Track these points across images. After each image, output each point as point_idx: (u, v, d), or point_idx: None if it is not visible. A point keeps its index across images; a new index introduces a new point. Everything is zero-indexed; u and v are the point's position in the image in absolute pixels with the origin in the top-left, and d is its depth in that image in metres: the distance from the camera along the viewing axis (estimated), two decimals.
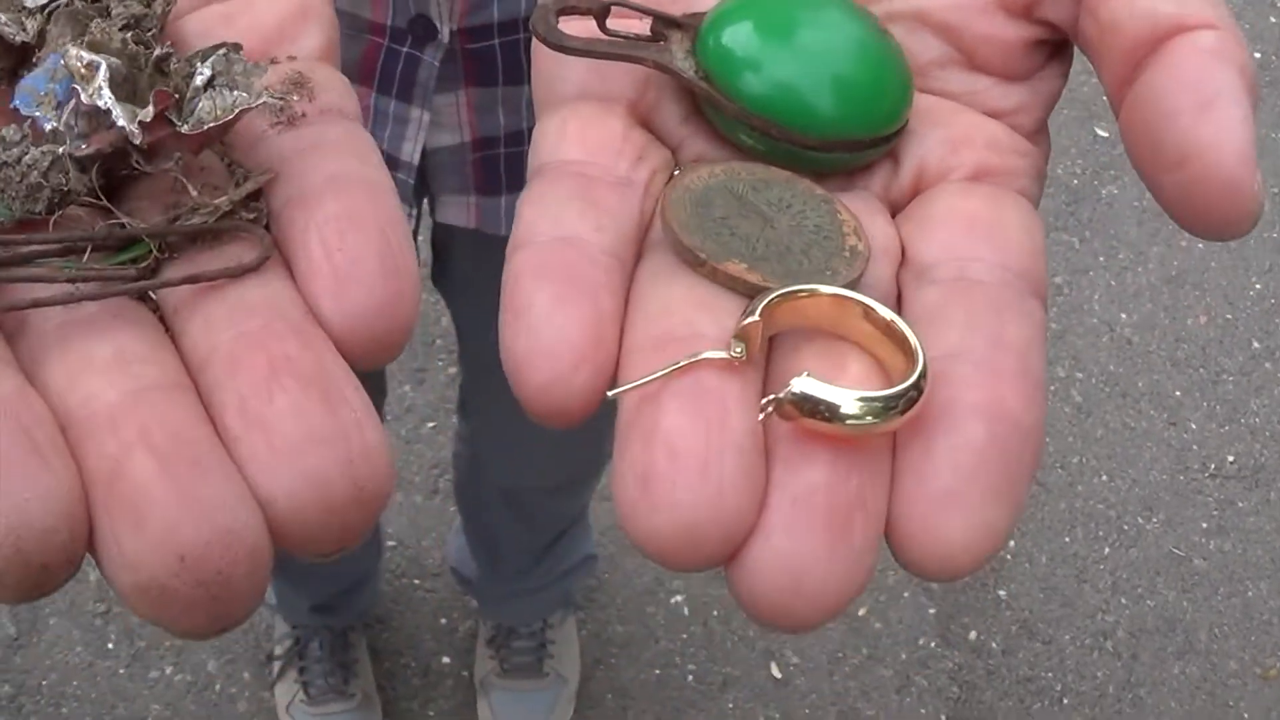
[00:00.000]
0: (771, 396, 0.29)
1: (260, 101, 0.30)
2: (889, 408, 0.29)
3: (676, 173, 0.36)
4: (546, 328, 0.30)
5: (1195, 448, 1.76)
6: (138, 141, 0.30)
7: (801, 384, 0.29)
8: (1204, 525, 1.70)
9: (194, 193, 0.31)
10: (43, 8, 0.34)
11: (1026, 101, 0.38)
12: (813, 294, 0.31)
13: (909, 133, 0.37)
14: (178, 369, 0.28)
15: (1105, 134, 2.05)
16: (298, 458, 0.26)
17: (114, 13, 0.33)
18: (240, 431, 0.27)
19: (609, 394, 0.29)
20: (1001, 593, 1.63)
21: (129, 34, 0.32)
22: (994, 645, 1.59)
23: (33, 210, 0.31)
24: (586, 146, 0.34)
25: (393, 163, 0.77)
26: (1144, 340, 1.85)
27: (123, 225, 0.30)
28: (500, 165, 0.82)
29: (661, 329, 0.31)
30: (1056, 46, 0.38)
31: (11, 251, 0.30)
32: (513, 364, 0.30)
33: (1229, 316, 1.89)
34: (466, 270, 1.02)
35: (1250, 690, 1.58)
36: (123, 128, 0.30)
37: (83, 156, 0.31)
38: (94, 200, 0.31)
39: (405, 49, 0.71)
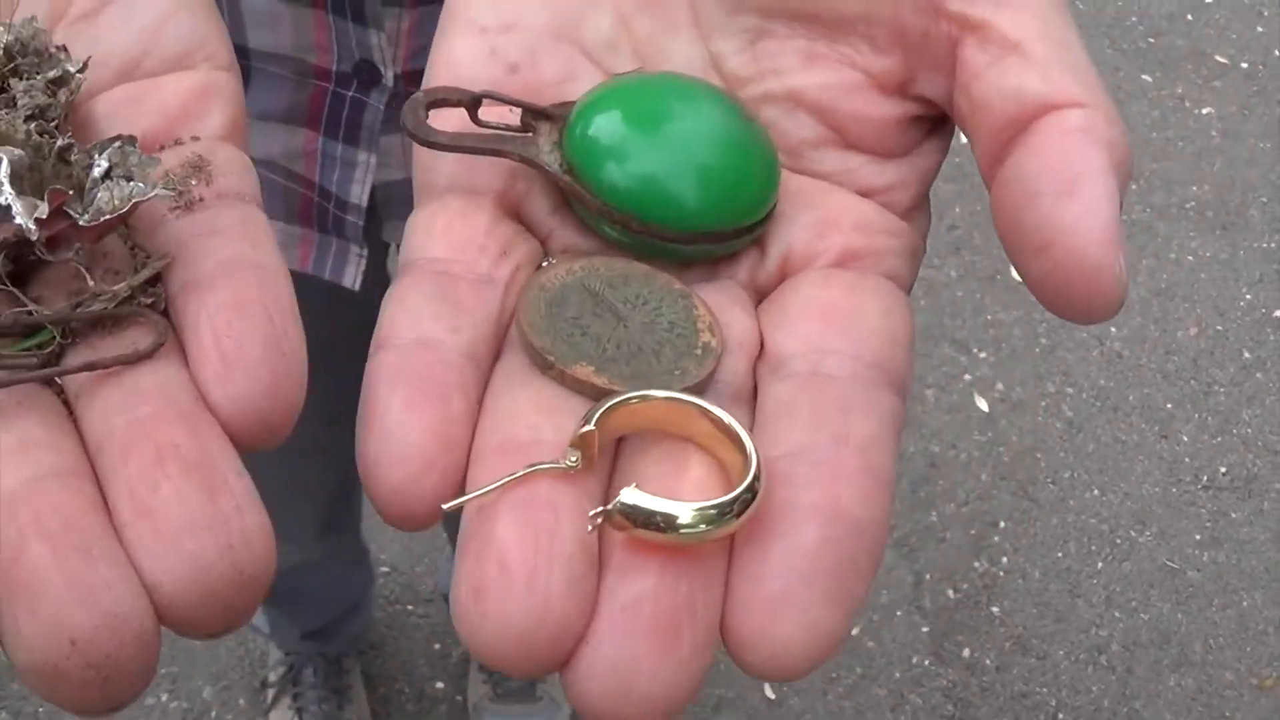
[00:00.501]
0: (600, 509, 0.30)
1: (154, 194, 0.32)
2: (723, 514, 0.29)
3: (545, 264, 0.36)
4: (397, 432, 0.31)
5: (1187, 460, 1.77)
6: (34, 238, 0.31)
7: (630, 496, 0.29)
8: (1197, 537, 1.71)
9: (91, 283, 0.32)
10: None
11: (903, 178, 0.38)
12: (646, 399, 0.32)
13: (778, 216, 0.37)
14: (76, 455, 0.29)
15: None
16: (179, 543, 0.27)
17: (20, 103, 0.34)
18: (129, 518, 0.28)
19: (444, 507, 0.30)
20: (994, 609, 1.63)
21: (33, 124, 0.33)
22: (988, 662, 1.60)
23: None
24: (451, 243, 0.35)
25: (341, 205, 0.77)
26: (1134, 353, 1.86)
27: (29, 312, 0.32)
28: None
29: (506, 434, 0.31)
30: (935, 122, 0.38)
31: None
32: (365, 468, 0.31)
33: (1219, 328, 1.90)
34: None
35: (1246, 701, 1.59)
36: (6, 205, 0.31)
37: None
38: (1, 285, 0.32)
39: (351, 93, 0.72)
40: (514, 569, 0.29)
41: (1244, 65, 2.25)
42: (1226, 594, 1.67)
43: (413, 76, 0.70)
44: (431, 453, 0.31)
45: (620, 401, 0.32)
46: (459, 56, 0.38)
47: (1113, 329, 1.87)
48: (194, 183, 0.34)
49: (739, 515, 0.29)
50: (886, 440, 0.32)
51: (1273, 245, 2.00)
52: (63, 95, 0.35)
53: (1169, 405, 1.82)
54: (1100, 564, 1.68)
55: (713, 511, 0.29)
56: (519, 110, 0.37)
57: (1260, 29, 2.30)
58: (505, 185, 0.37)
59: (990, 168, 0.34)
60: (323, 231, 0.80)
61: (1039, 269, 0.31)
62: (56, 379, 0.31)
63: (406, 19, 0.67)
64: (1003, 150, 0.33)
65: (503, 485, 0.30)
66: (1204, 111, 2.17)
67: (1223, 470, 1.76)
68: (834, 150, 0.38)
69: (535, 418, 0.32)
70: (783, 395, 0.33)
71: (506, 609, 0.28)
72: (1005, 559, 1.67)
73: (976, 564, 1.66)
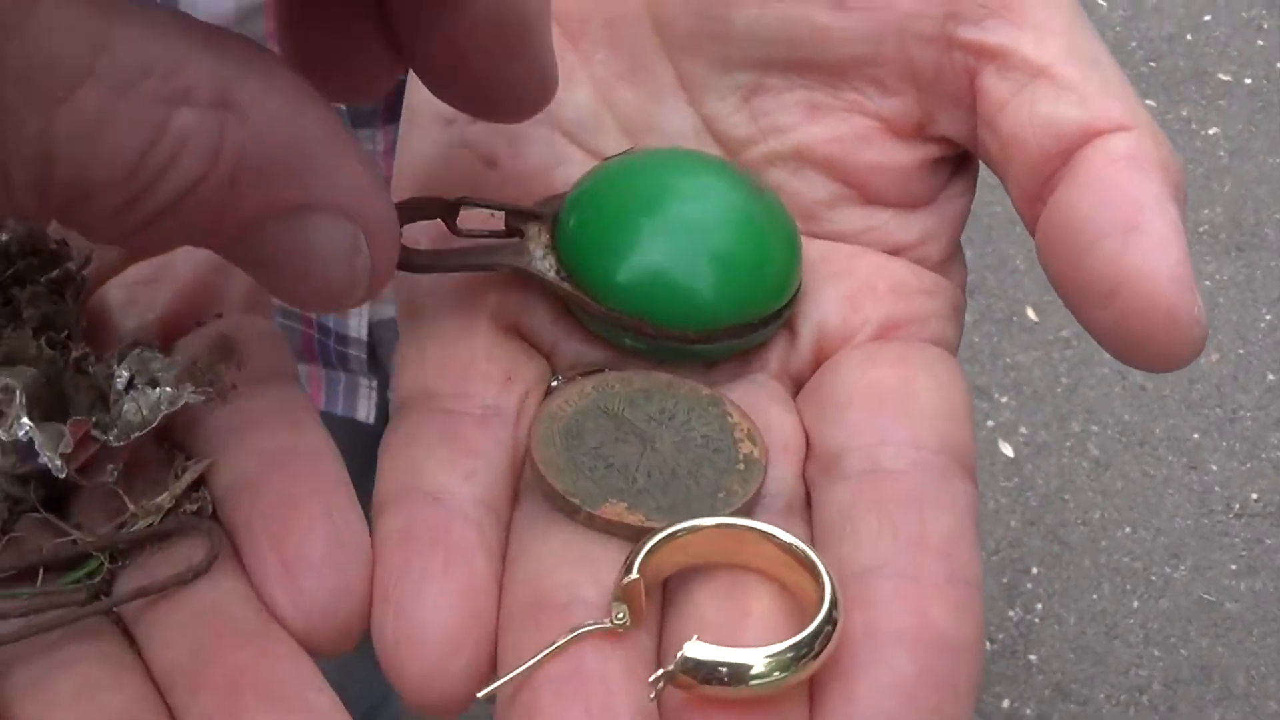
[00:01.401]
0: (660, 672, 0.26)
1: (182, 402, 0.30)
2: (800, 656, 0.26)
3: (554, 383, 0.33)
4: (416, 610, 0.28)
5: (1217, 489, 1.78)
6: (62, 475, 0.29)
7: (693, 650, 0.26)
8: (1232, 567, 1.72)
9: (131, 507, 0.31)
10: None
11: (932, 229, 0.35)
12: (693, 531, 0.28)
13: (804, 293, 0.34)
14: (143, 691, 0.28)
15: None
16: None
17: (26, 314, 0.33)
18: None
19: (479, 696, 0.27)
20: (1032, 657, 1.65)
21: (43, 337, 0.32)
22: (1028, 712, 1.61)
23: None
24: (448, 374, 0.32)
25: (342, 340, 0.77)
26: (1157, 385, 1.87)
27: (73, 541, 0.30)
28: None
29: (537, 593, 0.28)
30: (958, 161, 0.35)
31: None
32: (384, 652, 0.28)
33: (1241, 351, 1.91)
34: None
35: None
36: (28, 439, 0.30)
37: (20, 474, 0.31)
38: (38, 514, 0.31)
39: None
40: None
41: (1247, 81, 2.26)
42: (1266, 622, 1.67)
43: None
44: (458, 630, 0.28)
45: (664, 538, 0.28)
46: (427, 155, 0.35)
47: None
48: (223, 369, 0.32)
49: (818, 654, 0.26)
50: (967, 535, 0.29)
51: None
52: (69, 297, 0.33)
53: (1195, 435, 1.83)
54: (1136, 603, 1.69)
55: (788, 655, 0.26)
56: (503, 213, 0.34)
57: (1261, 42, 2.32)
58: (498, 297, 0.34)
59: (1030, 207, 0.31)
60: (329, 367, 0.80)
61: (1107, 318, 0.29)
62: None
63: (381, 140, 0.64)
64: (1043, 187, 0.31)
65: (543, 658, 0.26)
66: (1210, 132, 2.18)
67: (1254, 497, 1.77)
68: (853, 208, 0.35)
69: (568, 571, 0.29)
70: (843, 501, 0.30)
71: None
72: (1040, 605, 1.68)
73: (1011, 613, 1.67)
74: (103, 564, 0.30)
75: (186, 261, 0.35)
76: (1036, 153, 0.31)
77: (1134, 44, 2.32)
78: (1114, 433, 1.83)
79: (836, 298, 0.34)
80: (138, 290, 0.35)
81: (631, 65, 0.35)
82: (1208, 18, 2.36)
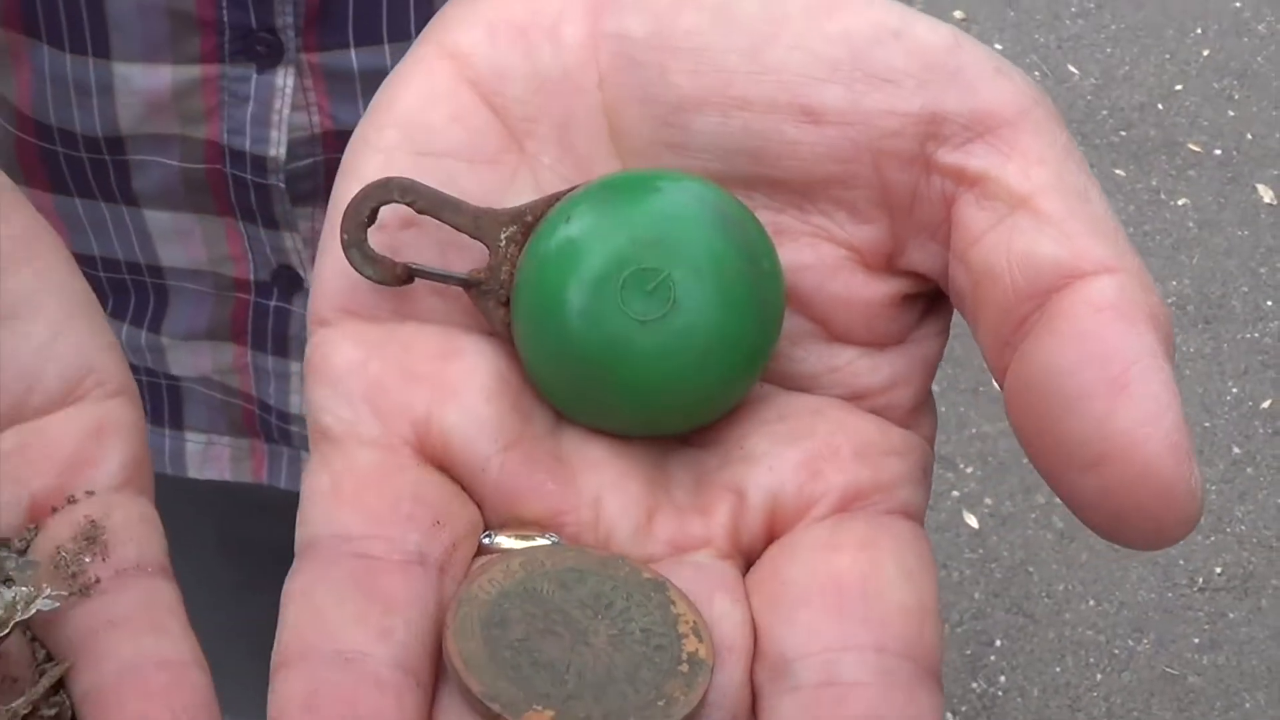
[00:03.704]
0: None
1: (35, 609, 0.30)
2: None
3: (487, 539, 0.30)
4: None
5: (1182, 562, 1.83)
6: None
7: None
8: (1196, 641, 1.76)
9: None
10: None
11: (902, 371, 0.32)
12: None
13: (758, 457, 0.31)
14: None
15: None
16: None
17: None
18: None
19: None
20: None
21: None
22: None
23: None
24: (367, 513, 0.29)
25: (283, 417, 0.76)
26: None
27: None
28: None
29: None
30: (930, 299, 0.33)
31: None
32: None
33: (1206, 424, 1.96)
34: None
35: None
36: None
37: None
38: None
39: (273, 303, 0.70)
40: None
41: (1217, 152, 2.32)
42: (1229, 696, 1.72)
43: None
44: None
45: None
46: (365, 172, 0.33)
47: None
48: (88, 560, 0.31)
49: None
50: None
51: (1256, 335, 2.06)
52: None
53: None
54: (1100, 676, 1.73)
55: None
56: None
57: (1232, 113, 2.38)
58: (421, 416, 0.31)
59: (999, 354, 0.29)
60: (270, 442, 0.78)
61: (1090, 487, 0.26)
62: None
63: (320, 217, 0.63)
64: (1015, 331, 0.28)
65: None
66: (1179, 203, 2.24)
67: (1218, 570, 1.82)
68: (818, 344, 0.33)
69: None
70: (793, 716, 0.27)
71: None
72: (1003, 678, 1.72)
73: (974, 685, 1.71)
74: None
75: (63, 428, 0.33)
76: (1010, 291, 0.28)
77: (1105, 112, 2.39)
78: None
79: (795, 462, 0.31)
80: (9, 464, 0.32)
81: (581, 171, 0.33)
82: (1179, 87, 2.43)
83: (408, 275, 0.32)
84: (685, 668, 0.28)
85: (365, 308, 0.33)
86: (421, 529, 0.29)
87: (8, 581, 0.30)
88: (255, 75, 0.59)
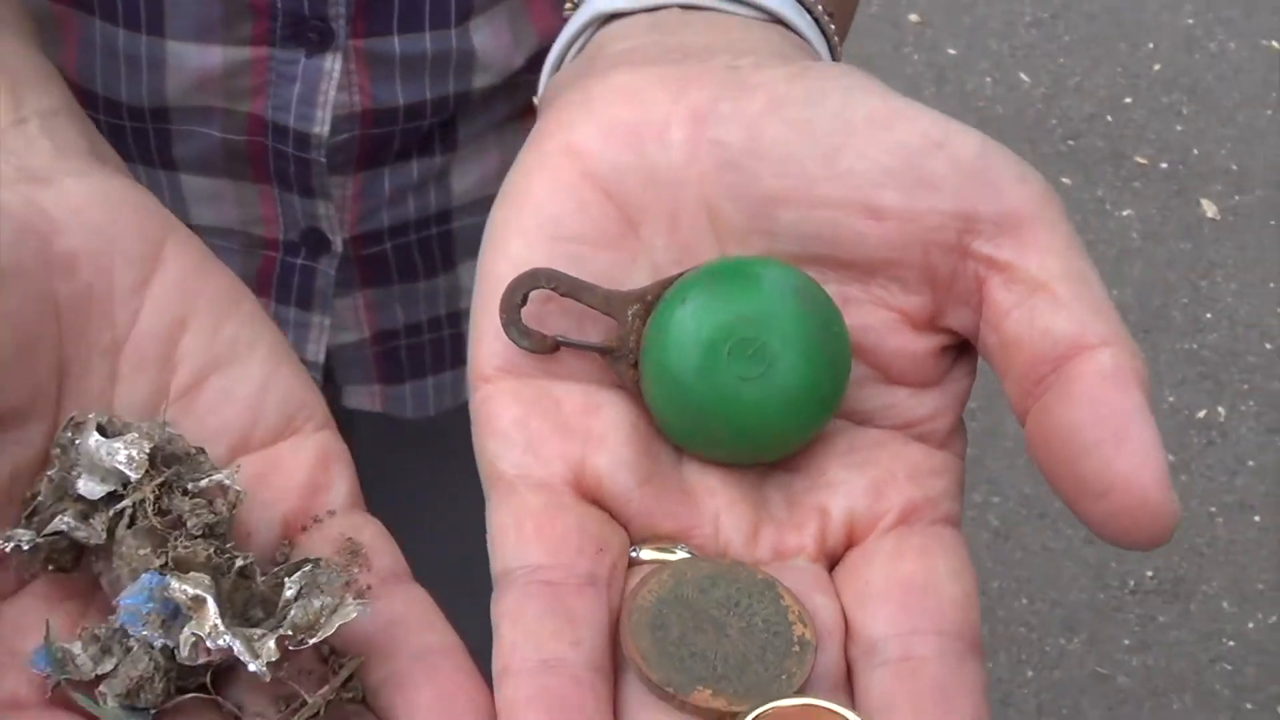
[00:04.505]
0: None
1: (353, 614, 0.36)
2: None
3: (634, 553, 0.39)
4: None
5: (1114, 565, 1.86)
6: (266, 679, 0.35)
7: None
8: (1126, 642, 1.80)
9: (308, 698, 0.36)
10: (107, 501, 0.38)
11: (941, 406, 0.41)
12: (779, 711, 0.36)
13: (837, 484, 0.41)
14: None
15: None
16: None
17: (189, 524, 0.37)
18: None
19: None
20: None
21: (212, 547, 0.37)
22: None
23: (152, 704, 0.36)
24: (546, 548, 0.38)
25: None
26: None
27: None
28: (401, 355, 0.85)
29: None
30: (960, 349, 0.42)
31: None
32: None
33: None
34: (371, 449, 1.07)
35: None
36: (229, 647, 0.35)
37: (196, 666, 0.36)
38: (205, 694, 0.36)
39: (300, 261, 0.73)
40: None
41: (1163, 165, 2.36)
42: (1157, 697, 1.75)
43: (361, 240, 0.72)
44: None
45: (755, 718, 0.35)
46: (555, 212, 0.41)
47: None
48: (355, 570, 0.38)
49: None
50: (982, 711, 0.36)
51: (1194, 346, 2.10)
52: (222, 507, 0.38)
53: None
54: (1031, 672, 1.76)
55: None
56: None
57: (1179, 128, 2.42)
58: (574, 467, 0.40)
59: (1021, 401, 0.38)
60: None
61: (1101, 511, 0.35)
62: None
63: (351, 185, 0.68)
64: (1035, 386, 0.37)
65: None
66: (1124, 213, 2.28)
67: (1149, 574, 1.86)
68: (877, 387, 0.41)
69: None
70: (883, 687, 0.36)
71: None
72: None
73: None
74: None
75: (294, 458, 0.41)
76: (1033, 357, 0.37)
77: (1054, 121, 2.42)
78: (1015, 504, 1.91)
79: (864, 488, 0.40)
80: (252, 486, 0.39)
81: (687, 253, 0.42)
82: (1129, 100, 2.47)
83: (555, 345, 0.41)
84: (797, 649, 0.37)
85: (519, 368, 0.41)
86: (589, 556, 0.38)
87: (319, 592, 0.36)
88: (304, 59, 0.61)
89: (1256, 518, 1.92)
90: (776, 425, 0.40)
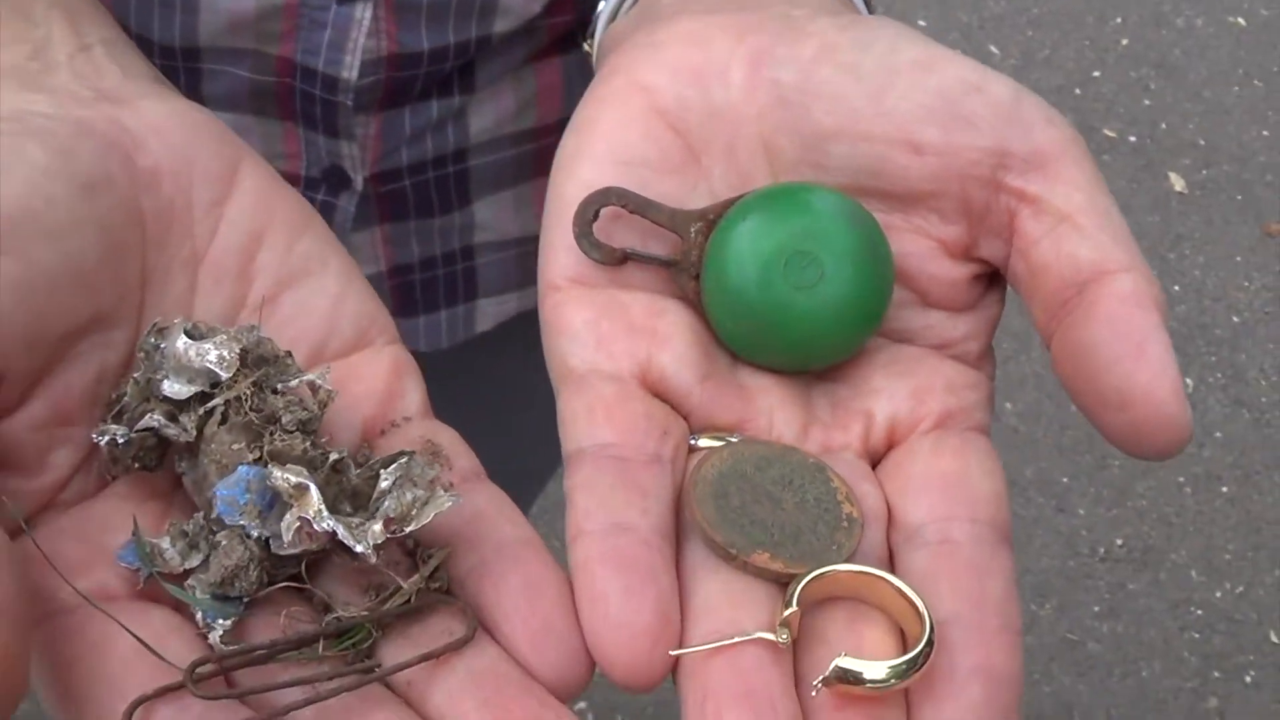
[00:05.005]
0: (821, 677, 0.36)
1: (449, 505, 0.37)
2: (909, 669, 0.36)
3: (693, 441, 0.42)
4: (623, 614, 0.37)
5: (1085, 532, 1.88)
6: (373, 561, 0.36)
7: (843, 663, 0.36)
8: (1096, 609, 1.82)
9: (403, 584, 0.38)
10: (196, 400, 0.38)
11: (973, 329, 0.45)
12: (834, 575, 0.39)
13: (879, 390, 0.44)
14: None
15: None
16: None
17: (284, 420, 0.38)
18: None
19: (671, 652, 0.37)
20: None
21: (308, 440, 0.38)
22: None
23: (245, 593, 0.37)
24: (616, 428, 0.41)
25: None
26: (1030, 429, 1.97)
27: (337, 617, 0.37)
28: (416, 290, 0.86)
29: (709, 627, 0.38)
30: (992, 277, 0.45)
31: (253, 655, 0.36)
32: (598, 645, 0.37)
33: None
34: None
35: None
36: (331, 531, 0.36)
37: (290, 555, 0.37)
38: (298, 586, 0.37)
39: (320, 196, 0.74)
40: None
41: (1132, 139, 2.38)
42: (1126, 664, 1.77)
43: (380, 177, 0.74)
44: (656, 630, 0.37)
45: (811, 580, 0.38)
46: (624, 139, 0.45)
47: (1008, 404, 1.98)
48: (435, 469, 0.39)
49: (920, 668, 0.37)
50: (1012, 593, 0.39)
51: None
52: (313, 405, 0.39)
53: (1065, 479, 1.93)
54: None
55: (903, 667, 0.36)
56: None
57: (1147, 102, 2.45)
58: (641, 363, 0.43)
59: (1048, 322, 0.41)
60: None
61: (1121, 422, 0.38)
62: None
63: (373, 125, 0.70)
64: (1061, 308, 0.40)
65: (724, 645, 0.37)
66: None
67: (1119, 542, 1.88)
68: (917, 309, 0.45)
69: (731, 611, 0.38)
70: (923, 565, 0.39)
71: None
72: None
73: None
74: (370, 634, 0.37)
75: (370, 367, 0.43)
76: (1058, 282, 0.41)
77: None
78: None
79: (905, 394, 0.44)
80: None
81: (744, 181, 0.45)
82: (1097, 74, 2.49)
83: (623, 258, 0.44)
84: (845, 524, 0.40)
85: (589, 278, 0.44)
86: (655, 438, 0.41)
87: (413, 485, 0.37)
88: (335, 5, 0.62)
89: (1224, 489, 1.95)
90: (827, 333, 0.43)
